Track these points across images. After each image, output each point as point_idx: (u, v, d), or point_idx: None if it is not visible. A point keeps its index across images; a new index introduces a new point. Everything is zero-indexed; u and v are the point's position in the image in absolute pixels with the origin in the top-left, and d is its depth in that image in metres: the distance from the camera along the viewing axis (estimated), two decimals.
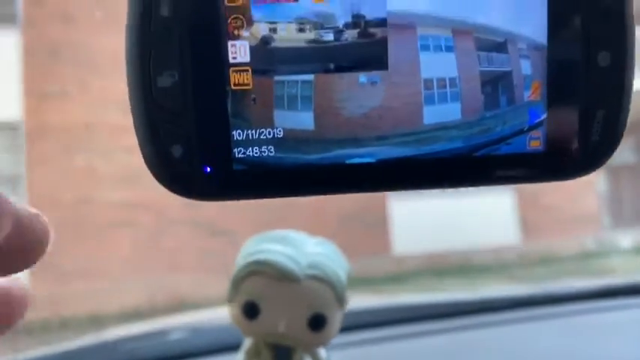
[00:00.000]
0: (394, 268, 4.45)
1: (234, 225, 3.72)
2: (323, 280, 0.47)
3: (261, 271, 0.47)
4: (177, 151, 0.21)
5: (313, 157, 0.21)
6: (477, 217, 4.79)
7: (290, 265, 0.46)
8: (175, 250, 4.31)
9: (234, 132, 0.21)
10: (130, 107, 0.21)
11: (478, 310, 0.96)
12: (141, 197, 4.12)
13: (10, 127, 4.62)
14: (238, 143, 0.21)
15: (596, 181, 5.95)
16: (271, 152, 0.21)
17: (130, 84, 0.20)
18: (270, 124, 0.21)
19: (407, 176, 0.22)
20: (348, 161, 0.21)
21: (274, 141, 0.21)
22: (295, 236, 0.50)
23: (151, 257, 4.26)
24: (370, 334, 0.80)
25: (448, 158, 0.22)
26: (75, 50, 4.51)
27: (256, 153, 0.21)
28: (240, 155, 0.21)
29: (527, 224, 5.23)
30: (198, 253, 4.23)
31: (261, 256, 0.47)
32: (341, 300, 0.48)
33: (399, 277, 4.12)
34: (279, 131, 0.21)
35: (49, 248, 0.17)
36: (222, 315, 0.59)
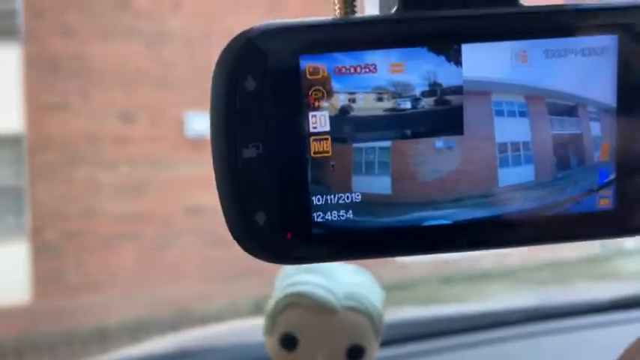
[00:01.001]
0: (398, 275, 4.46)
1: None
2: (360, 310, 0.47)
3: (299, 303, 0.47)
4: (260, 218, 0.21)
5: (390, 220, 0.22)
6: None
7: (327, 297, 0.47)
8: (180, 260, 4.31)
9: (313, 198, 0.22)
10: (215, 177, 0.21)
11: (487, 325, 0.96)
12: (144, 208, 4.14)
13: (11, 140, 4.63)
14: (318, 208, 0.22)
15: None
16: (350, 216, 0.22)
17: (215, 156, 0.21)
18: (349, 189, 0.22)
19: (482, 236, 0.22)
20: (424, 223, 0.22)
21: (352, 205, 0.22)
22: (329, 266, 0.50)
23: (156, 268, 4.26)
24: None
25: (522, 218, 0.22)
26: (76, 62, 4.52)
27: (335, 217, 0.22)
28: (319, 220, 0.22)
29: None
30: (203, 264, 4.23)
31: (299, 288, 0.47)
32: (378, 330, 0.48)
33: (403, 284, 4.12)
34: (357, 196, 0.22)
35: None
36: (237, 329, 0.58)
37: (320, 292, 0.47)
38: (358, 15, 0.22)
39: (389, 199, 0.22)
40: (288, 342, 0.47)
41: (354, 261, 0.23)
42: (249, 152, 0.21)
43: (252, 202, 0.21)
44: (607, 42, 0.22)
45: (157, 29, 4.38)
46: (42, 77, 4.59)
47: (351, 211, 0.22)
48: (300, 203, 0.22)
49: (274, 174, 0.21)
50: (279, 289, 0.49)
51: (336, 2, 0.22)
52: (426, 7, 0.21)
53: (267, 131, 0.21)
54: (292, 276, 0.50)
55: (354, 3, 0.22)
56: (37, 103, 4.57)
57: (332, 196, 0.22)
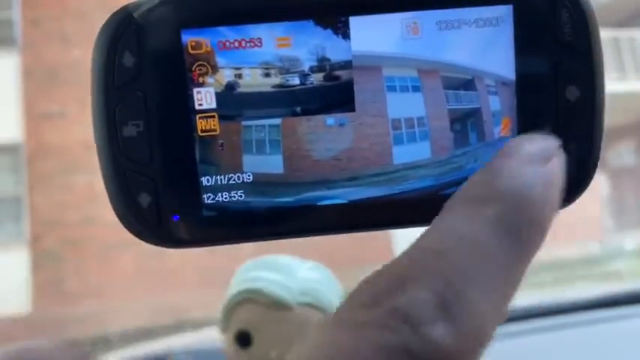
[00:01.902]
0: None
1: None
2: (316, 307, 0.47)
3: (253, 299, 0.47)
4: (144, 200, 0.21)
5: (284, 200, 0.21)
6: None
7: (281, 293, 0.46)
8: (178, 268, 4.30)
9: (202, 178, 0.21)
10: (97, 158, 0.21)
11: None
12: None
13: (10, 149, 4.64)
14: (207, 189, 0.21)
15: (598, 185, 5.94)
16: (241, 197, 0.21)
17: (96, 136, 0.20)
18: (239, 168, 0.21)
19: (379, 216, 0.22)
20: (319, 203, 0.21)
21: (244, 186, 0.21)
22: (287, 262, 0.50)
23: (155, 276, 4.26)
24: None
25: (419, 197, 0.21)
26: (73, 70, 4.53)
27: (226, 198, 0.21)
28: (209, 201, 0.21)
29: None
30: (201, 271, 4.22)
31: (253, 285, 0.47)
32: None
33: None
34: (249, 176, 0.21)
35: None
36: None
37: (274, 289, 0.46)
38: None
39: (281, 179, 0.21)
40: (243, 339, 0.47)
41: (246, 243, 0.22)
42: (130, 131, 0.20)
43: (135, 182, 0.21)
44: (501, 12, 0.21)
45: None
46: (40, 86, 4.61)
47: (242, 192, 0.21)
48: (187, 184, 0.21)
49: (158, 154, 0.21)
50: (234, 285, 0.49)
51: None
52: None
53: (148, 109, 0.20)
54: (248, 272, 0.49)
55: None
56: (34, 112, 4.58)
57: (222, 177, 0.21)
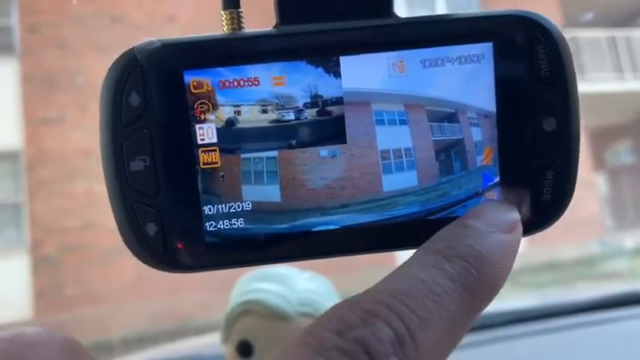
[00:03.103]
0: None
1: None
2: (314, 317, 0.48)
3: (253, 310, 0.48)
4: (151, 229, 0.22)
5: (281, 226, 0.23)
6: None
7: (280, 304, 0.48)
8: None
9: (205, 207, 0.22)
10: (107, 191, 0.22)
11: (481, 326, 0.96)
12: None
13: (9, 156, 4.66)
14: (209, 217, 0.23)
15: (596, 184, 5.96)
16: (241, 224, 0.23)
17: (105, 170, 0.22)
18: (239, 198, 0.23)
19: (370, 240, 0.23)
20: (314, 229, 0.23)
21: (244, 214, 0.23)
22: (286, 273, 0.51)
23: (155, 281, 4.27)
24: None
25: (407, 222, 0.23)
26: (72, 76, 4.55)
27: (227, 226, 0.23)
28: (211, 229, 0.23)
29: None
30: (201, 276, 4.23)
31: (253, 296, 0.48)
32: None
33: None
34: (248, 204, 0.23)
35: None
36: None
37: (273, 299, 0.48)
38: (240, 31, 0.23)
39: (279, 207, 0.23)
40: (244, 349, 0.48)
41: (248, 267, 0.24)
42: (137, 165, 0.22)
43: (141, 213, 0.22)
44: (482, 49, 0.22)
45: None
46: (38, 92, 4.62)
47: (242, 219, 0.23)
48: (191, 213, 0.22)
49: (163, 186, 0.22)
50: (235, 296, 0.50)
51: (224, 19, 0.23)
52: (303, 21, 0.22)
53: (154, 144, 0.22)
54: (248, 284, 0.50)
55: (241, 20, 0.23)
56: (33, 118, 4.59)
57: (223, 206, 0.23)
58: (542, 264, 4.59)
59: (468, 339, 0.91)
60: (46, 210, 4.48)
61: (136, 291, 4.25)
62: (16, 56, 4.77)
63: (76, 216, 4.42)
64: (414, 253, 0.20)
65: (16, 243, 4.58)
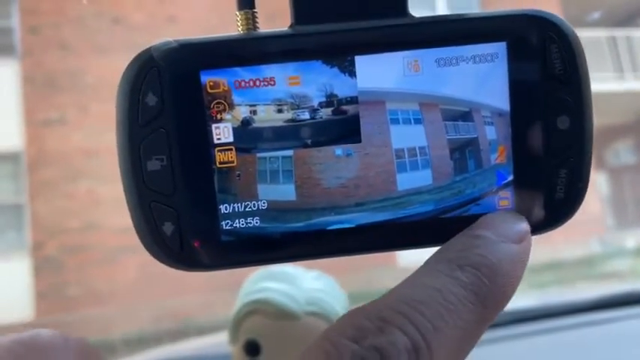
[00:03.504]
0: (400, 279, 4.44)
1: None
2: (322, 315, 0.48)
3: (261, 310, 0.48)
4: (168, 228, 0.22)
5: (296, 225, 0.23)
6: None
7: (288, 304, 0.48)
8: (181, 273, 4.30)
9: (221, 206, 0.23)
10: (123, 190, 0.22)
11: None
12: None
13: (11, 157, 4.66)
14: (225, 216, 0.23)
15: (598, 183, 5.96)
16: (257, 223, 0.23)
17: (122, 170, 0.22)
18: (255, 197, 0.23)
19: (385, 238, 0.23)
20: (329, 227, 0.23)
21: (259, 212, 0.23)
22: (293, 272, 0.51)
23: (158, 281, 4.27)
24: None
25: (422, 220, 0.23)
26: (73, 77, 4.55)
27: (243, 224, 0.23)
28: (227, 227, 0.23)
29: None
30: (205, 276, 4.23)
31: (260, 296, 0.48)
32: None
33: None
34: (264, 203, 0.23)
35: None
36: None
37: (281, 299, 0.48)
38: (256, 31, 0.23)
39: (294, 206, 0.23)
40: (251, 349, 0.48)
41: (263, 265, 0.24)
42: (154, 165, 0.22)
43: (158, 213, 0.22)
44: (496, 49, 0.23)
45: (153, 43, 4.40)
46: (39, 93, 4.62)
47: (258, 218, 0.23)
48: (207, 212, 0.23)
49: (180, 185, 0.22)
50: (242, 296, 0.50)
51: (239, 19, 0.23)
52: (318, 22, 0.22)
53: (170, 144, 0.22)
54: (255, 283, 0.50)
55: (256, 20, 0.23)
56: (35, 119, 4.60)
57: (239, 205, 0.23)
58: (543, 264, 4.59)
59: None
60: (47, 211, 4.48)
61: (139, 291, 4.25)
62: (17, 57, 4.78)
63: (78, 217, 4.43)
64: (426, 262, 0.21)
65: (17, 244, 4.59)
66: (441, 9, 4.86)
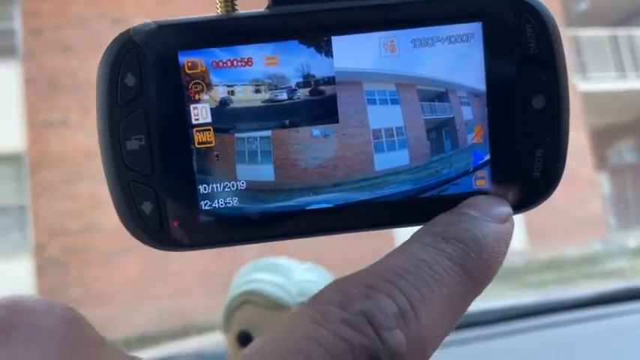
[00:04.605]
0: None
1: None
2: None
3: (253, 300, 0.48)
4: (147, 207, 0.22)
5: (275, 205, 0.23)
6: None
7: (280, 294, 0.48)
8: (182, 273, 4.31)
9: (200, 187, 0.23)
10: (103, 170, 0.22)
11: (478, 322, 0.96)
12: None
13: (13, 158, 4.67)
14: (204, 197, 0.23)
15: (599, 183, 5.94)
16: (236, 203, 0.23)
17: (102, 150, 0.22)
18: (234, 177, 0.23)
19: (363, 218, 0.23)
20: (307, 207, 0.23)
21: (238, 192, 0.23)
22: (285, 263, 0.51)
23: (158, 281, 4.27)
24: None
25: (400, 200, 0.23)
26: (74, 78, 4.56)
27: (222, 205, 0.23)
28: (206, 207, 0.23)
29: (533, 229, 5.23)
30: (205, 276, 4.24)
31: (252, 286, 0.49)
32: None
33: None
34: (242, 183, 0.23)
35: None
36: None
37: (273, 290, 0.48)
38: (234, 12, 0.23)
39: (272, 186, 0.23)
40: (244, 339, 0.48)
41: (241, 245, 0.24)
42: (132, 145, 0.22)
43: (138, 192, 0.22)
44: (472, 29, 0.23)
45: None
46: (41, 95, 4.63)
47: (236, 198, 0.23)
48: (186, 192, 0.23)
49: (159, 165, 0.22)
50: (234, 287, 0.51)
51: (217, 1, 0.23)
52: (295, 2, 0.22)
53: (149, 124, 0.22)
54: (248, 274, 0.51)
55: (234, 2, 0.23)
56: (36, 121, 4.61)
57: (218, 185, 0.23)
58: (545, 263, 4.58)
59: (470, 334, 0.92)
60: (49, 212, 4.49)
61: (140, 292, 4.26)
62: (19, 59, 4.79)
63: (80, 218, 4.44)
64: (412, 235, 0.21)
65: (20, 245, 4.60)
66: None
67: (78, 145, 4.47)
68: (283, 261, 0.52)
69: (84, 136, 4.46)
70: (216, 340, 0.89)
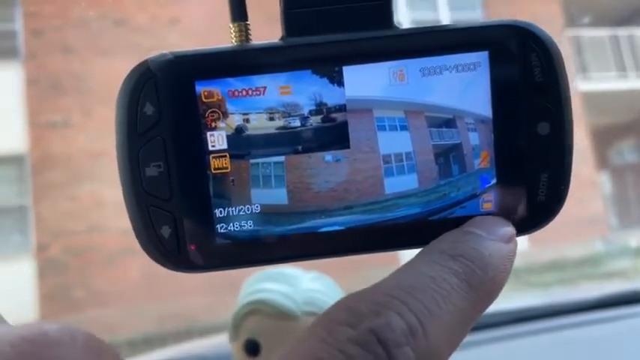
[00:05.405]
0: None
1: None
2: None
3: (260, 310, 0.49)
4: (165, 232, 0.23)
5: (288, 228, 0.24)
6: None
7: (287, 304, 0.49)
8: (184, 275, 4.31)
9: (216, 211, 0.24)
10: (122, 195, 0.23)
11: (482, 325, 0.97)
12: None
13: (15, 159, 4.68)
14: (220, 220, 0.24)
15: (600, 183, 5.95)
16: (250, 226, 0.24)
17: (121, 176, 0.23)
18: (248, 201, 0.24)
19: (373, 240, 0.24)
20: (319, 230, 0.24)
21: (252, 216, 0.24)
22: (291, 273, 0.52)
23: (161, 283, 4.28)
24: None
25: (409, 223, 0.24)
26: (76, 79, 4.57)
27: (237, 228, 0.24)
28: (222, 231, 0.24)
29: None
30: (207, 278, 4.24)
31: (259, 296, 0.49)
32: None
33: None
34: (257, 207, 0.24)
35: None
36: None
37: (280, 299, 0.49)
38: (248, 43, 0.24)
39: (286, 209, 0.24)
40: (252, 348, 0.49)
41: (257, 267, 0.25)
42: (152, 171, 0.23)
43: (157, 216, 0.23)
44: (478, 58, 0.24)
45: (156, 45, 4.42)
46: (43, 96, 4.64)
47: (251, 222, 0.24)
48: (203, 216, 0.24)
49: (177, 190, 0.23)
50: (242, 296, 0.51)
51: (232, 31, 0.24)
52: (308, 33, 0.23)
53: (167, 151, 0.23)
54: (255, 284, 0.52)
55: (249, 32, 0.24)
56: (38, 122, 4.62)
57: (233, 209, 0.24)
58: (546, 263, 4.58)
59: (473, 337, 0.92)
60: (51, 213, 4.50)
61: (142, 293, 4.27)
62: (21, 60, 4.80)
63: (82, 219, 4.44)
64: (419, 253, 0.22)
65: (22, 246, 4.61)
66: (442, 8, 4.87)
67: (80, 146, 4.48)
68: (289, 270, 0.53)
69: (86, 137, 4.46)
70: (219, 342, 0.90)
